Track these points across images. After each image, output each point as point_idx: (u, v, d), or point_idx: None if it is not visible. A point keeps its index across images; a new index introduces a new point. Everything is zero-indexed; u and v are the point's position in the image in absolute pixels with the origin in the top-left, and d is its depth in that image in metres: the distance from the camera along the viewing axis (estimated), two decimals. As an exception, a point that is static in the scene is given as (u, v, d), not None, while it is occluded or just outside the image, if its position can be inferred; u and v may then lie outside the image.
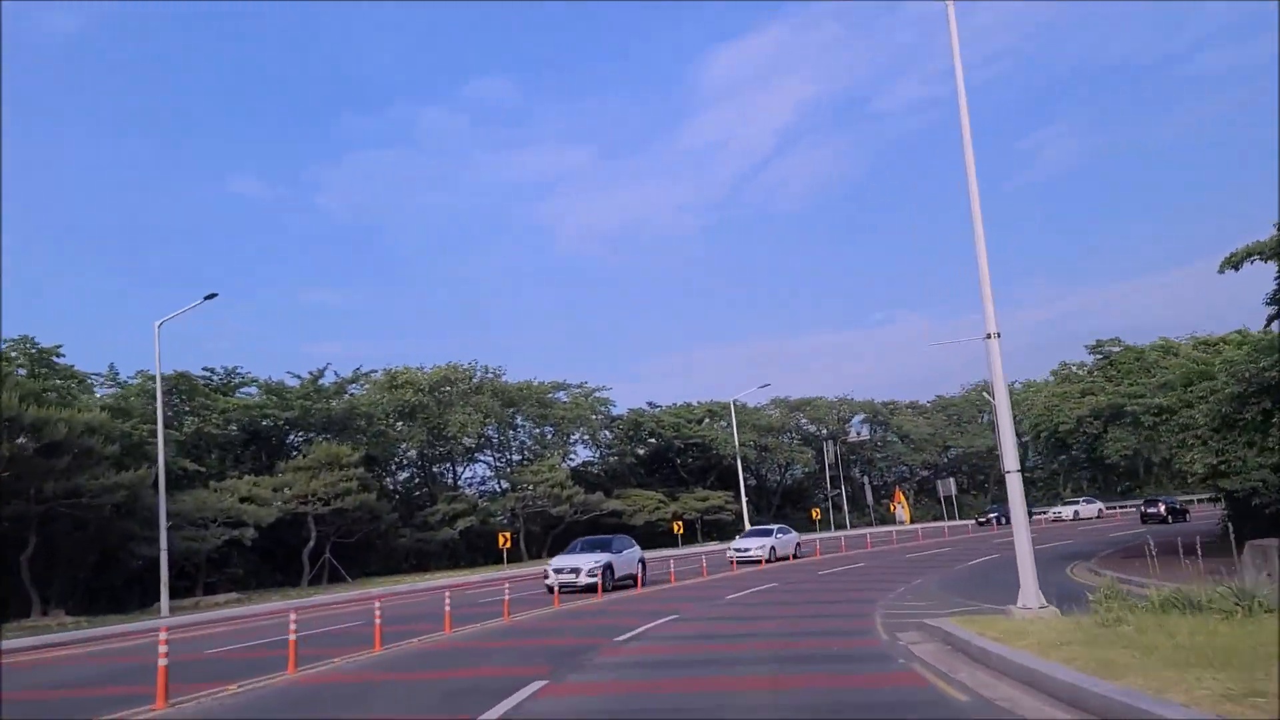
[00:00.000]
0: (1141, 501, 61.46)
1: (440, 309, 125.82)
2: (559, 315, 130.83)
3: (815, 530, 67.61)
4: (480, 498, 58.29)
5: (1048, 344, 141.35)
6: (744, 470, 69.11)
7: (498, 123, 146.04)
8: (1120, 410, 27.12)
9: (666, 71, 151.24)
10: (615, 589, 26.22)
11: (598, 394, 62.88)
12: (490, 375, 54.50)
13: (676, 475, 70.00)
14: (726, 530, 68.07)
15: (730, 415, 66.21)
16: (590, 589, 25.42)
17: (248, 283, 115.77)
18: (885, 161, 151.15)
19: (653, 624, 17.22)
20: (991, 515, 65.81)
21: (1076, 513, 64.63)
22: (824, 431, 75.33)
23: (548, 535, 57.36)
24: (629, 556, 27.97)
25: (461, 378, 52.28)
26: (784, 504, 74.85)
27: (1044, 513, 67.85)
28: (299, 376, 43.53)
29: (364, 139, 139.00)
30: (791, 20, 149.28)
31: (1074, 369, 31.14)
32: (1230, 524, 34.53)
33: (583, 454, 76.89)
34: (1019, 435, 32.74)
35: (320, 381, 43.39)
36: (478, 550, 53.94)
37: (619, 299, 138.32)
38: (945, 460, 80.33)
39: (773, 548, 37.63)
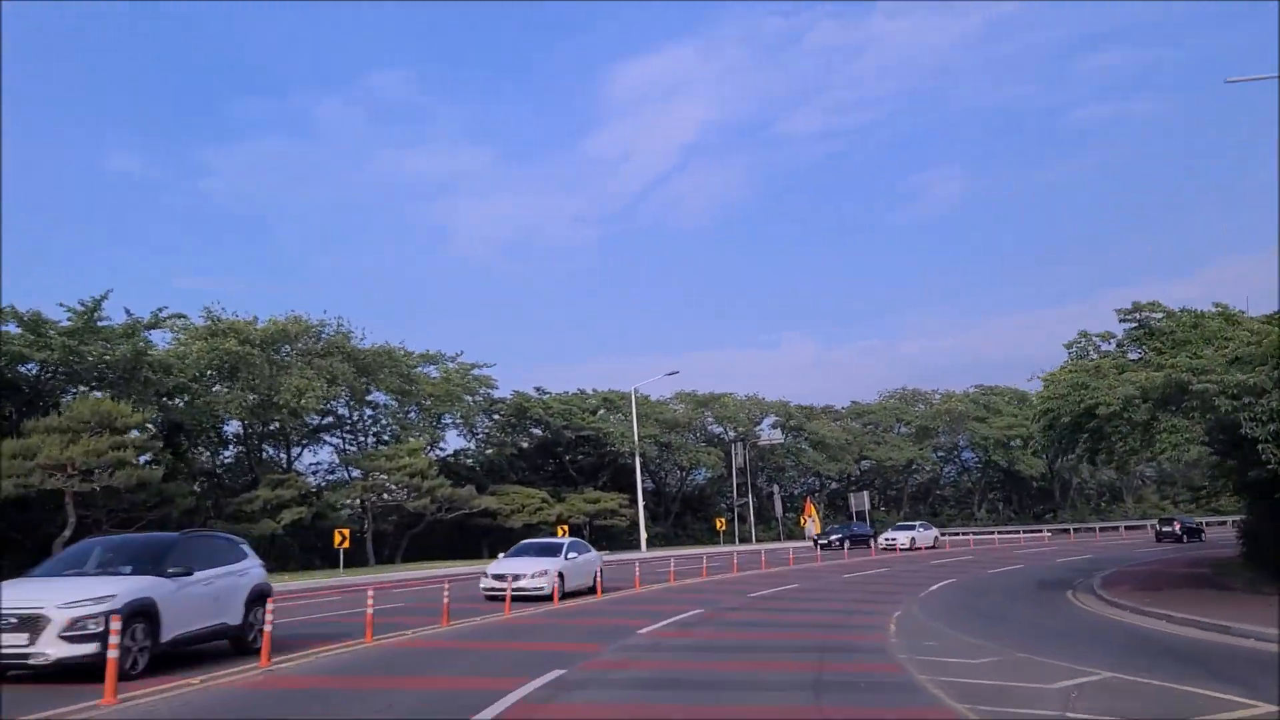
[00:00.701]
0: (1157, 520, 59.39)
1: (327, 304, 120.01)
2: (455, 316, 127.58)
3: (719, 543, 59.66)
4: (324, 486, 47.91)
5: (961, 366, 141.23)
6: (642, 471, 60.53)
7: (396, 118, 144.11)
8: (1183, 389, 19.76)
9: (571, 81, 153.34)
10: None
11: (477, 372, 53.26)
12: (342, 332, 44.32)
13: (565, 473, 60.92)
14: (619, 538, 59.27)
15: (630, 406, 57.65)
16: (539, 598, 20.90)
17: (117, 263, 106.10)
18: (782, 186, 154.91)
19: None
20: (835, 536, 51.83)
21: (913, 540, 49.16)
22: (732, 433, 67.56)
23: (404, 535, 47.38)
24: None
25: (303, 332, 41.93)
26: (684, 511, 66.63)
27: (891, 542, 49.89)
28: (70, 309, 32.56)
29: (257, 126, 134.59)
30: (697, 42, 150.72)
31: (1096, 340, 23.86)
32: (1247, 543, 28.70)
33: (456, 442, 66.99)
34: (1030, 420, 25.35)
35: (98, 317, 32.47)
36: (314, 550, 43.64)
37: (514, 304, 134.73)
38: (859, 471, 73.86)
39: (560, 574, 21.78)
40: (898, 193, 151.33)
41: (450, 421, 55.45)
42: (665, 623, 16.58)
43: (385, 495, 44.29)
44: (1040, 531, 69.68)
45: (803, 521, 67.42)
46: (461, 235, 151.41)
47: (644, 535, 55.40)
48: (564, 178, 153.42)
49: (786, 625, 16.95)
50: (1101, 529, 71.02)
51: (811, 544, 62.69)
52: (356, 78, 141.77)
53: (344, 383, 42.35)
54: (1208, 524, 68.04)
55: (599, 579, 23.64)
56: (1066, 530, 70.20)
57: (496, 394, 55.72)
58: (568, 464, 60.92)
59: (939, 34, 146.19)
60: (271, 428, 44.39)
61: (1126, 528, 71.42)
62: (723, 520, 60.50)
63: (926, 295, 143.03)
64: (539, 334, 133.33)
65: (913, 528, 51.55)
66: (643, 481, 60.31)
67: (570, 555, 23.13)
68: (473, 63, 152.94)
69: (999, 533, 67.49)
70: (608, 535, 58.90)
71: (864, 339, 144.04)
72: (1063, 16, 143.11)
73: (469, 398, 54.05)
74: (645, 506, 58.20)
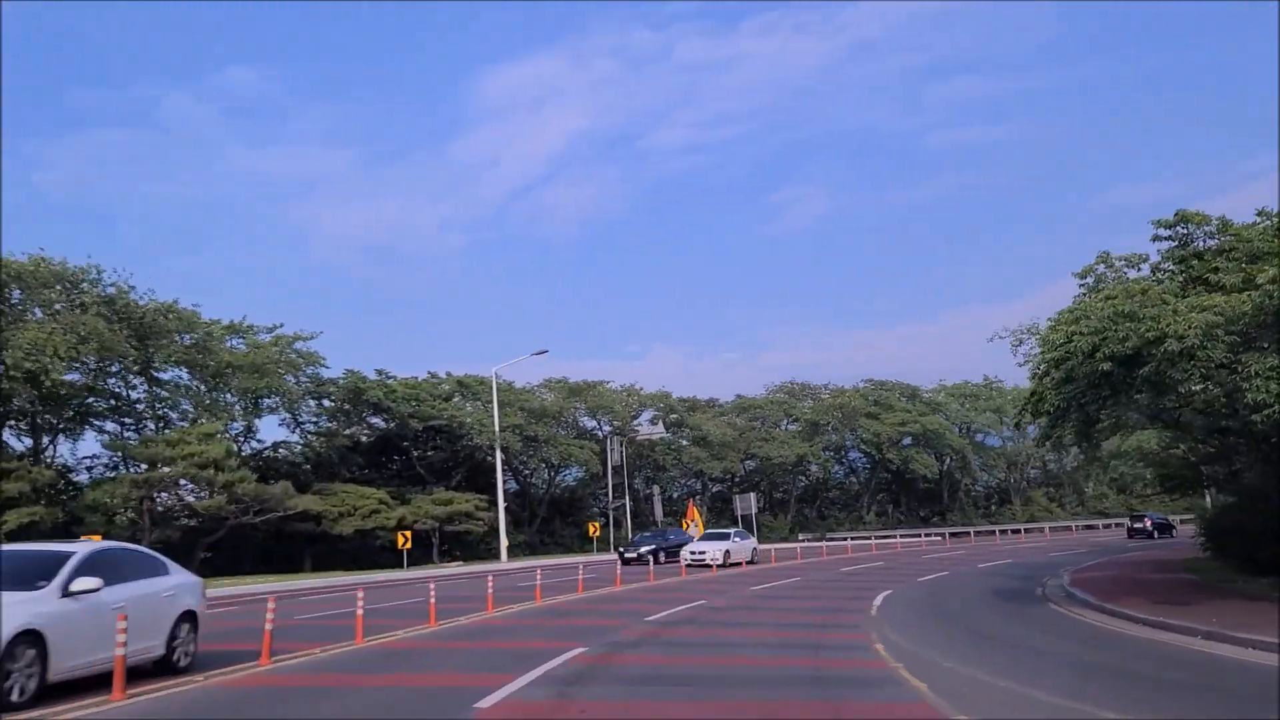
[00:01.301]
0: (1129, 517, 59.07)
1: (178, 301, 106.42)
2: (312, 321, 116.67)
3: (592, 550, 51.89)
4: (87, 485, 37.41)
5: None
6: (505, 468, 52.16)
7: (252, 116, 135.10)
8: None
9: (438, 84, 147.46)
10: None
11: (301, 346, 43.68)
12: (113, 287, 34.18)
13: (413, 470, 51.87)
14: (474, 546, 50.67)
15: (490, 392, 49.19)
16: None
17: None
18: (651, 198, 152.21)
19: None
20: (645, 547, 37.73)
21: (727, 553, 34.61)
22: (607, 427, 60.00)
23: (196, 544, 37.39)
24: None
25: (52, 279, 31.67)
26: (552, 515, 58.46)
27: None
28: None
29: (95, 117, 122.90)
30: (568, 52, 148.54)
31: (1118, 263, 17.45)
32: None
33: (279, 433, 56.78)
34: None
35: None
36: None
37: (376, 311, 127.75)
38: (745, 470, 67.63)
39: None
40: (763, 208, 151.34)
41: (270, 406, 45.61)
42: (529, 679, 8.77)
43: (165, 494, 34.42)
44: (922, 536, 65.21)
45: (685, 526, 60.50)
46: (322, 239, 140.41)
47: (504, 543, 47.04)
48: (430, 183, 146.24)
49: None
50: (1008, 531, 67.27)
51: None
52: (209, 73, 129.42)
53: (108, 346, 32.15)
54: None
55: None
56: (964, 533, 66.07)
57: (328, 374, 46.22)
58: (416, 460, 51.89)
59: (804, 55, 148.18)
60: (12, 406, 33.70)
61: (1052, 529, 68.16)
62: (596, 525, 52.75)
63: (791, 309, 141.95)
64: (400, 341, 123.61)
65: (726, 536, 36.93)
66: (505, 480, 51.98)
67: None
68: (333, 61, 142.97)
69: (901, 536, 62.58)
70: (461, 543, 50.25)
71: (729, 350, 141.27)
72: (921, 43, 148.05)
73: (291, 378, 44.40)
74: (507, 509, 49.86)
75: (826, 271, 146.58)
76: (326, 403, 48.15)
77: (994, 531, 66.76)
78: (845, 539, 62.12)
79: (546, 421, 54.03)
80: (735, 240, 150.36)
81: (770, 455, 63.70)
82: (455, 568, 42.81)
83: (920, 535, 64.45)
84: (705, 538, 37.88)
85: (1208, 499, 40.51)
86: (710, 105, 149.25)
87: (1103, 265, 17.87)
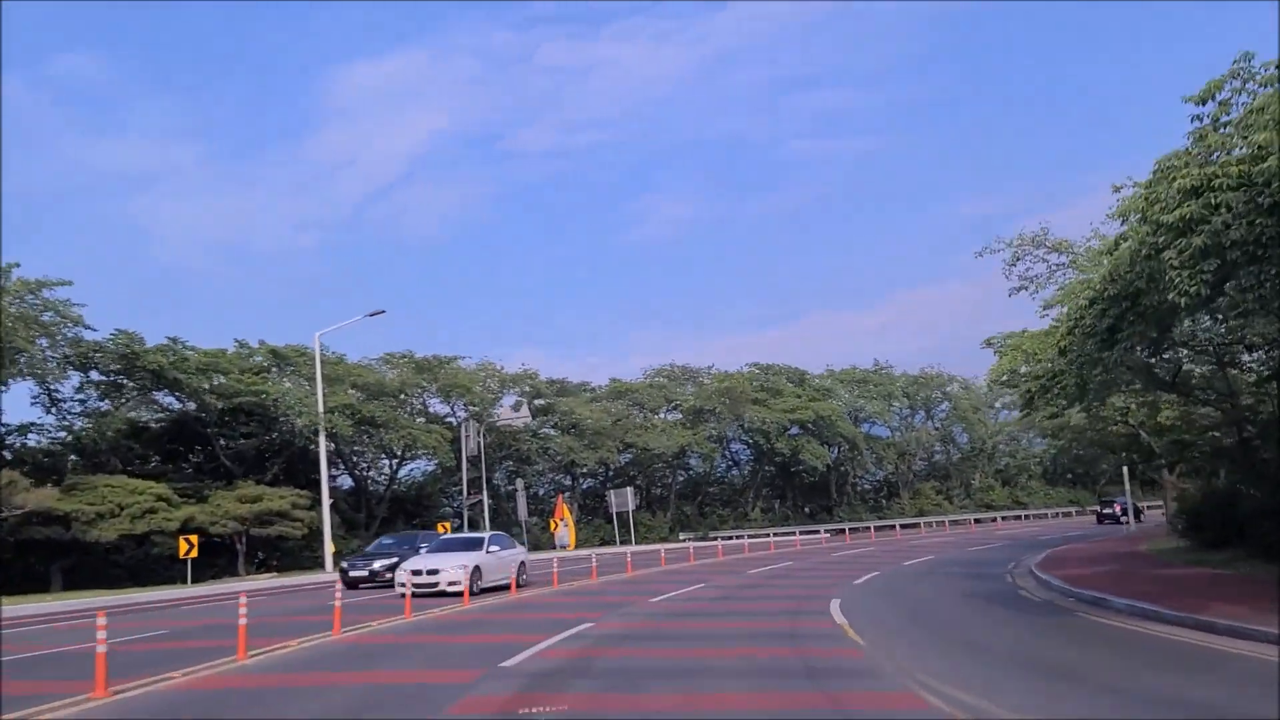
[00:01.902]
0: (1098, 503, 58.59)
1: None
2: (153, 322, 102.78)
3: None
4: None
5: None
6: (334, 458, 42.99)
7: (87, 104, 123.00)
8: None
9: (292, 80, 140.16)
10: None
11: (49, 294, 33.21)
12: None
13: (215, 461, 41.92)
14: (294, 553, 41.30)
15: (313, 364, 39.88)
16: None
17: None
18: (515, 201, 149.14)
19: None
20: (379, 563, 25.90)
21: (477, 571, 20.89)
22: (463, 412, 51.44)
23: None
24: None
25: None
26: (395, 515, 49.34)
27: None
28: None
29: None
30: (430, 49, 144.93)
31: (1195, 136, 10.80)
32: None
33: (29, 413, 46.33)
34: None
35: None
36: None
37: (223, 311, 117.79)
38: (621, 464, 60.24)
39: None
40: (627, 213, 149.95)
41: (19, 371, 34.89)
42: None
43: None
44: (822, 532, 59.74)
45: (553, 526, 52.66)
46: (163, 235, 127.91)
47: (329, 549, 37.89)
48: (283, 180, 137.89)
49: None
50: (901, 526, 62.39)
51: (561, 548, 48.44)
52: (41, 60, 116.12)
53: None
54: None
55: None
56: (856, 528, 60.83)
57: (92, 336, 35.80)
58: (221, 449, 41.93)
59: (666, 63, 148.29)
60: None
61: (952, 522, 63.67)
62: (447, 525, 44.15)
63: (657, 314, 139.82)
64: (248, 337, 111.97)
65: (474, 546, 22.48)
66: (334, 473, 42.85)
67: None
68: (172, 49, 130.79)
69: (797, 532, 56.74)
70: (279, 549, 40.79)
71: (595, 355, 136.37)
72: (777, 57, 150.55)
73: (44, 341, 33.99)
74: (336, 508, 40.73)
75: (690, 277, 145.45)
76: (96, 375, 37.73)
77: (893, 526, 61.82)
78: (734, 537, 55.87)
79: (386, 401, 45.03)
80: (600, 245, 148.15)
81: (649, 445, 56.55)
82: (265, 580, 33.57)
83: (820, 531, 58.84)
84: (440, 546, 23.39)
85: (1168, 480, 36.07)
86: (575, 109, 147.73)
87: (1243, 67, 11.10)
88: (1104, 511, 53.21)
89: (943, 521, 64.71)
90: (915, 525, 65.61)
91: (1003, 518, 69.52)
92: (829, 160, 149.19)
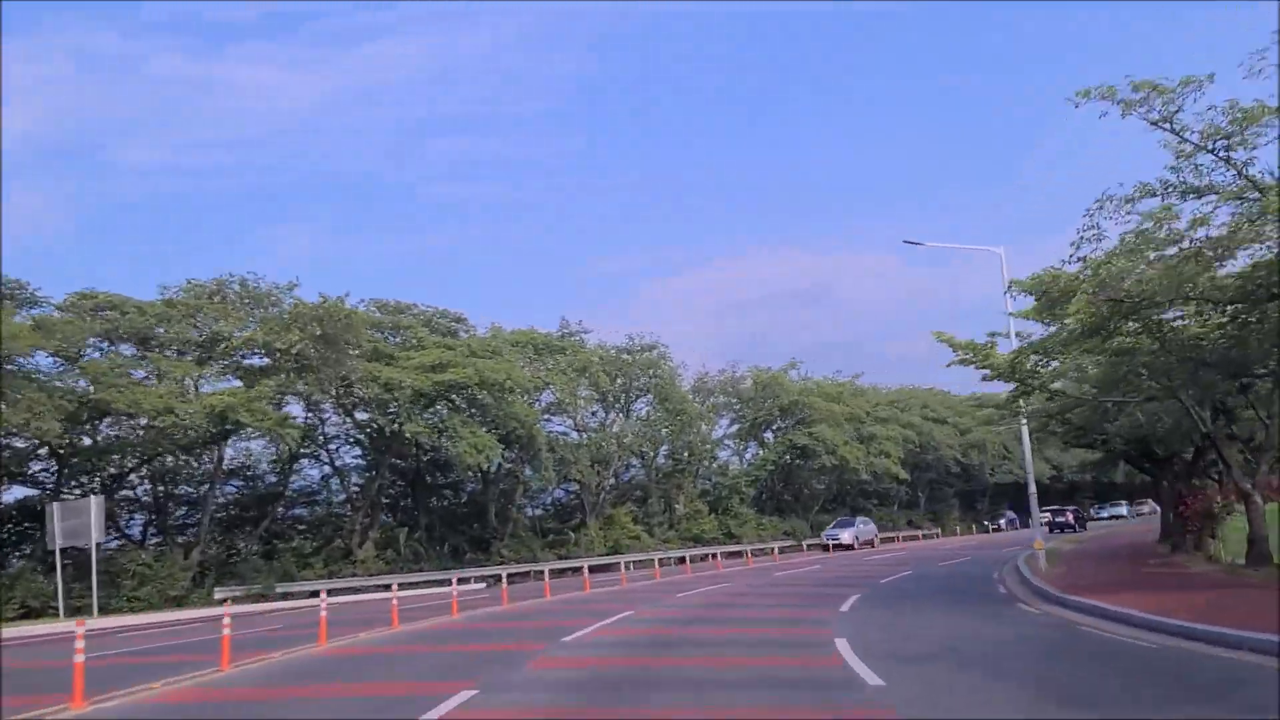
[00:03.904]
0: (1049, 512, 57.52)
1: None
2: None
3: None
4: None
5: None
6: None
7: None
8: None
9: None
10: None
11: None
12: None
13: None
14: None
15: None
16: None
17: None
18: (114, 220, 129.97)
19: None
20: None
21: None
22: None
23: None
24: None
25: None
26: None
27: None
28: None
29: None
30: (14, 43, 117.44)
31: None
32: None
33: None
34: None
35: None
36: None
37: None
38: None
39: None
40: (249, 244, 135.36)
41: None
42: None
43: None
44: (472, 580, 35.61)
45: None
46: None
47: None
48: None
49: None
50: (591, 569, 39.95)
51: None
52: None
53: None
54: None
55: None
56: (524, 573, 37.43)
57: None
58: None
59: (298, 92, 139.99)
60: None
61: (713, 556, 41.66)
62: None
63: None
64: None
65: None
66: None
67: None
68: None
69: (460, 578, 31.92)
70: None
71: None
72: (413, 97, 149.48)
73: None
74: None
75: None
76: None
77: (579, 569, 39.20)
78: (317, 594, 29.93)
79: None
80: (223, 273, 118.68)
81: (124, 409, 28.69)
82: None
83: (475, 580, 34.45)
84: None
85: None
86: (193, 128, 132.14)
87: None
88: (1056, 520, 56.98)
89: (650, 562, 43.27)
90: (611, 566, 43.95)
91: (715, 555, 50.18)
92: (465, 204, 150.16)
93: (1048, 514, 62.09)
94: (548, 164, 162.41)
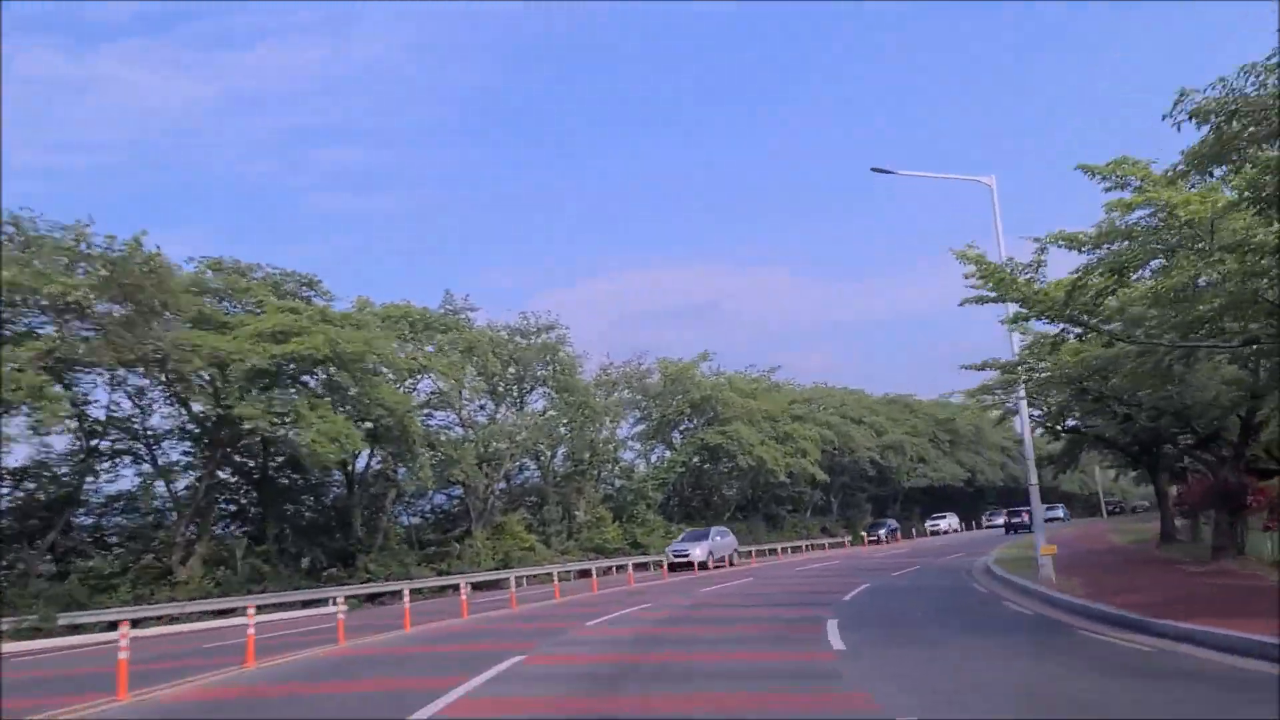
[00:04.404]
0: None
1: None
2: None
3: None
4: None
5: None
6: None
7: None
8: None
9: None
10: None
11: None
12: None
13: None
14: None
15: None
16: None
17: None
18: None
19: None
20: None
21: None
22: None
23: None
24: None
25: None
26: None
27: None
28: None
29: None
30: None
31: None
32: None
33: None
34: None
35: None
36: None
37: None
38: None
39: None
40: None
41: None
42: None
43: None
44: (330, 601, 28.36)
45: None
46: None
47: None
48: None
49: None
50: (474, 586, 33.15)
51: None
52: None
53: None
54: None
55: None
56: (373, 594, 30.30)
57: None
58: None
59: (176, 92, 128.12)
60: None
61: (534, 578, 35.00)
62: None
63: None
64: None
65: None
66: None
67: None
68: None
69: (308, 600, 24.56)
70: None
71: None
72: (299, 106, 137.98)
73: None
74: None
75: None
76: None
77: (456, 586, 32.57)
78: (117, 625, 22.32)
79: None
80: None
81: None
82: None
83: (333, 602, 27.00)
84: None
85: None
86: (68, 128, 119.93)
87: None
88: (1012, 521, 58.61)
89: (546, 576, 36.66)
90: (500, 583, 37.28)
91: (625, 566, 43.89)
92: (356, 214, 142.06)
93: (1004, 515, 64.23)
94: (439, 174, 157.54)
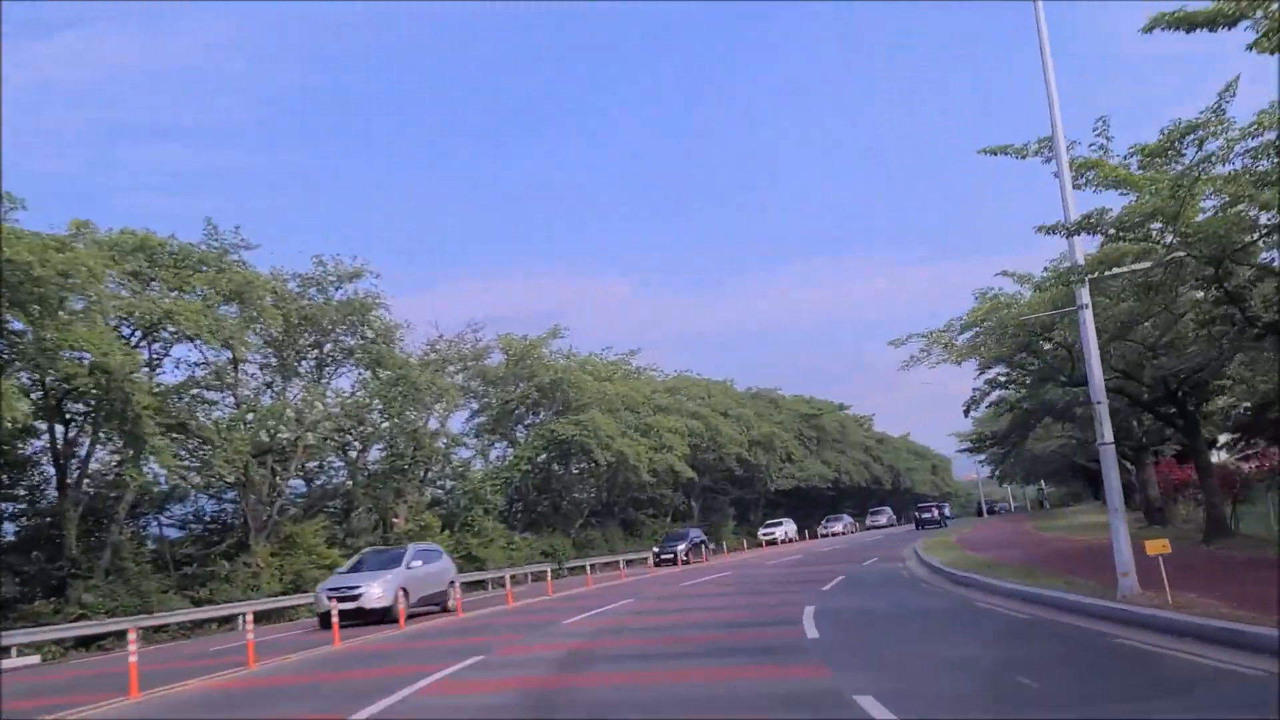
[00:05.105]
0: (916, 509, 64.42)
1: None
2: None
3: None
4: None
5: None
6: None
7: None
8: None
9: None
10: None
11: None
12: None
13: None
14: None
15: None
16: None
17: None
18: None
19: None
20: None
21: None
22: None
23: None
24: None
25: None
26: None
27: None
28: None
29: None
30: None
31: None
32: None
33: None
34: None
35: None
36: None
37: None
38: None
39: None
40: None
41: None
42: None
43: None
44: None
45: None
46: None
47: None
48: None
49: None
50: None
51: None
52: None
53: None
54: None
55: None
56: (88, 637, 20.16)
57: None
58: None
59: None
60: None
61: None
62: None
63: None
64: None
65: None
66: None
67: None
68: None
69: None
70: None
71: None
72: (113, 98, 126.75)
73: None
74: None
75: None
76: None
77: (235, 618, 22.68)
78: None
79: None
80: None
81: None
82: None
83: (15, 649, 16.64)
84: None
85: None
86: None
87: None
88: (922, 516, 59.47)
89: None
90: (287, 610, 27.26)
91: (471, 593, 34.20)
92: (169, 217, 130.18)
93: (886, 514, 70.24)
94: (268, 177, 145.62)
